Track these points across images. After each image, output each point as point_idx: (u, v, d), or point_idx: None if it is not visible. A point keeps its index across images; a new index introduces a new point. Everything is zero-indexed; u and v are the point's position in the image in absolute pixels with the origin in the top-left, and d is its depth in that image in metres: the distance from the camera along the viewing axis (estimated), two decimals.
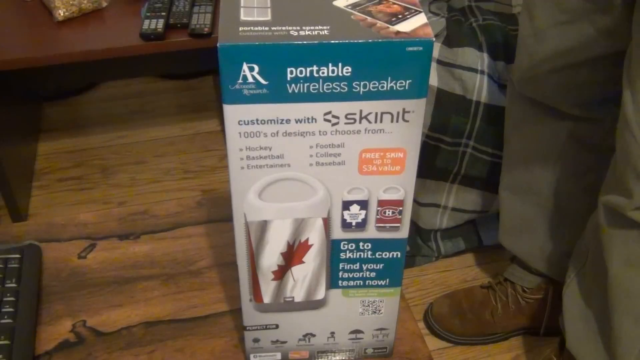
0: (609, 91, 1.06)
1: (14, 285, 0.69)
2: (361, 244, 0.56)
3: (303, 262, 0.56)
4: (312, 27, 0.46)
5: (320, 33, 0.45)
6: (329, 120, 0.49)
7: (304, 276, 0.57)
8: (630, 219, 0.92)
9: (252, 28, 0.46)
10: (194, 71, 2.24)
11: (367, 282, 0.59)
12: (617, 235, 0.97)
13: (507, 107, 1.27)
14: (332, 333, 0.63)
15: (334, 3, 0.49)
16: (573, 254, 1.16)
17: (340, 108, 0.48)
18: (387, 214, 0.54)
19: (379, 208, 0.54)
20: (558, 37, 1.04)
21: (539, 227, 1.29)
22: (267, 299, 0.59)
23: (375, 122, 0.49)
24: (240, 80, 0.46)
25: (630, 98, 0.90)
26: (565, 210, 1.25)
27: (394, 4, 0.49)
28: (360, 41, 0.45)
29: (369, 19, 0.47)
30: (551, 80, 1.11)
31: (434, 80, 1.35)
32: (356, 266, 0.58)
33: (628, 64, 0.91)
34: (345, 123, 0.49)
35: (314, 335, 0.63)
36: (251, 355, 0.64)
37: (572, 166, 1.21)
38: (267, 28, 0.46)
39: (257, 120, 0.48)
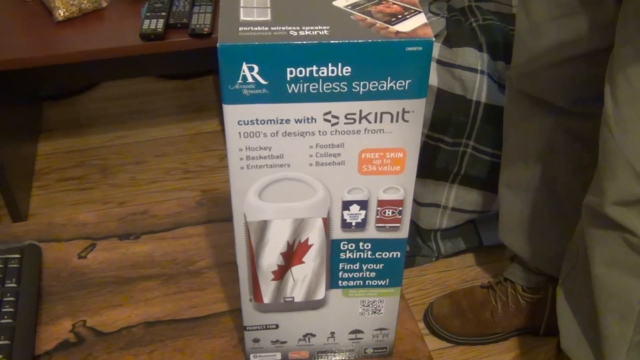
0: None
1: (14, 285, 0.69)
2: (361, 244, 0.56)
3: (303, 262, 0.56)
4: (311, 27, 0.46)
5: (320, 33, 0.45)
6: (328, 120, 0.49)
7: (304, 276, 0.57)
8: (609, 218, 0.93)
9: (251, 28, 0.46)
10: (194, 71, 2.24)
11: (367, 282, 0.59)
12: (598, 236, 0.97)
13: (505, 104, 1.28)
14: (332, 333, 0.63)
15: (334, 3, 0.49)
16: (565, 254, 1.16)
17: (340, 108, 0.48)
18: (387, 214, 0.54)
19: (378, 208, 0.54)
20: (554, 31, 1.04)
21: (539, 224, 1.30)
22: (267, 299, 0.59)
23: (375, 122, 0.49)
24: (240, 80, 0.46)
25: (609, 94, 0.90)
26: (564, 206, 1.25)
27: (394, 4, 0.49)
28: (360, 41, 0.45)
29: (369, 19, 0.47)
30: (549, 76, 1.11)
31: (434, 80, 1.35)
32: (356, 266, 0.58)
33: (611, 60, 0.91)
34: (345, 123, 0.49)
35: (314, 335, 0.63)
36: (251, 355, 0.64)
37: (570, 162, 1.21)
38: (266, 28, 0.46)
39: (256, 120, 0.48)
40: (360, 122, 0.49)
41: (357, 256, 0.57)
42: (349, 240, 0.56)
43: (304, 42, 0.45)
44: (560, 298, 1.15)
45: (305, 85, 0.46)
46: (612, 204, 0.92)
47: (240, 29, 0.46)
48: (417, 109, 0.49)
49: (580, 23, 1.01)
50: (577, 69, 1.07)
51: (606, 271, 0.97)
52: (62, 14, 1.56)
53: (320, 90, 0.47)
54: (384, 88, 0.47)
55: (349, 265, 0.58)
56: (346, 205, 0.53)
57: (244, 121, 0.48)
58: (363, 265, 0.58)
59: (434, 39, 0.46)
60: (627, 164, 0.89)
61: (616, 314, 0.99)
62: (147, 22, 1.54)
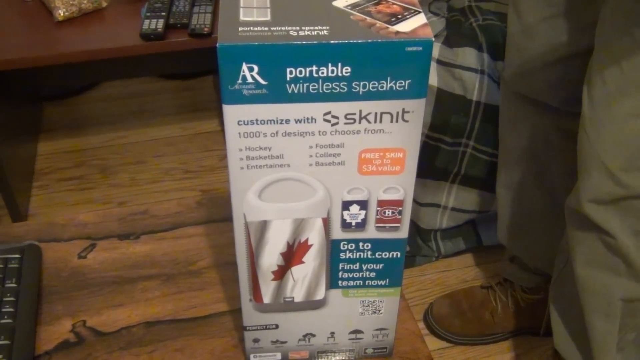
0: None
1: (14, 285, 0.69)
2: (361, 244, 0.56)
3: (303, 262, 0.56)
4: (311, 27, 0.46)
5: (320, 33, 0.45)
6: (328, 121, 0.49)
7: (304, 276, 0.57)
8: (587, 217, 0.94)
9: (251, 28, 0.46)
10: (194, 71, 2.24)
11: (367, 282, 0.59)
12: (578, 237, 0.99)
13: (500, 104, 1.28)
14: (332, 333, 0.63)
15: (334, 3, 0.49)
16: (557, 254, 1.17)
17: (339, 108, 0.48)
18: (386, 214, 0.54)
19: (378, 208, 0.54)
20: (546, 32, 1.04)
21: (537, 224, 1.30)
22: (267, 299, 0.59)
23: (375, 122, 0.49)
24: (239, 81, 0.46)
25: (587, 95, 0.91)
26: (561, 206, 1.25)
27: (394, 4, 0.49)
28: (359, 41, 0.45)
29: (369, 19, 0.47)
30: (542, 76, 1.11)
31: (434, 80, 1.35)
32: (356, 266, 0.58)
33: (591, 62, 0.92)
34: (345, 123, 0.49)
35: (314, 335, 0.63)
36: (251, 355, 0.64)
37: (566, 162, 1.21)
38: (266, 28, 0.46)
39: (256, 120, 0.48)
40: (360, 122, 0.49)
41: (357, 256, 0.57)
42: (349, 240, 0.56)
43: (304, 42, 0.45)
44: (552, 297, 1.15)
45: (305, 85, 0.46)
46: (587, 201, 0.93)
47: (240, 29, 0.46)
48: (417, 109, 0.49)
49: (572, 23, 1.01)
50: (570, 68, 1.07)
51: (588, 271, 0.99)
52: (62, 14, 1.56)
53: (320, 91, 0.47)
54: (384, 88, 0.47)
55: (349, 265, 0.58)
56: (346, 205, 0.53)
57: (244, 121, 0.48)
58: (363, 265, 0.58)
59: (434, 39, 0.46)
60: (601, 163, 0.90)
61: (600, 312, 1.00)
62: (147, 22, 1.54)
